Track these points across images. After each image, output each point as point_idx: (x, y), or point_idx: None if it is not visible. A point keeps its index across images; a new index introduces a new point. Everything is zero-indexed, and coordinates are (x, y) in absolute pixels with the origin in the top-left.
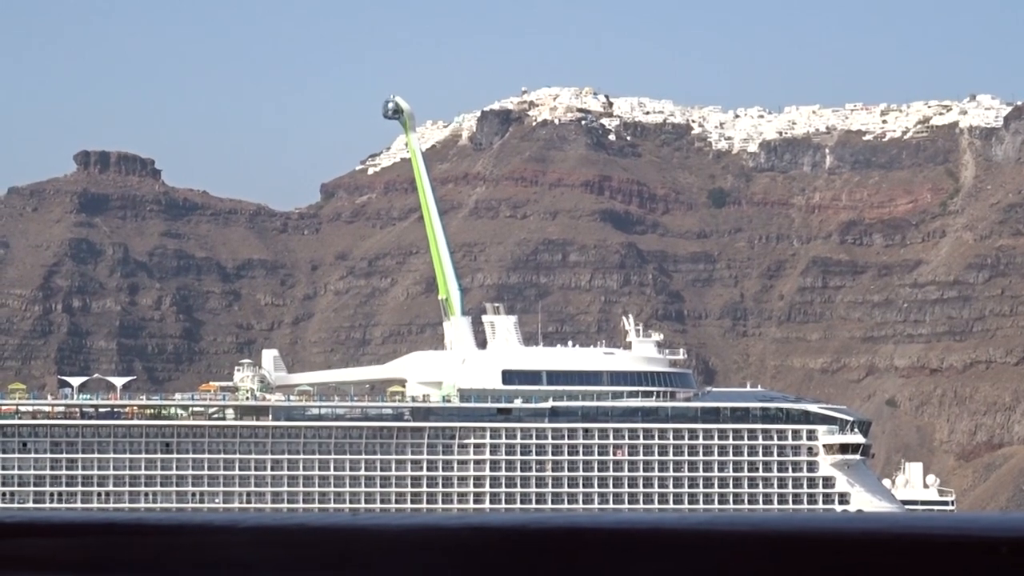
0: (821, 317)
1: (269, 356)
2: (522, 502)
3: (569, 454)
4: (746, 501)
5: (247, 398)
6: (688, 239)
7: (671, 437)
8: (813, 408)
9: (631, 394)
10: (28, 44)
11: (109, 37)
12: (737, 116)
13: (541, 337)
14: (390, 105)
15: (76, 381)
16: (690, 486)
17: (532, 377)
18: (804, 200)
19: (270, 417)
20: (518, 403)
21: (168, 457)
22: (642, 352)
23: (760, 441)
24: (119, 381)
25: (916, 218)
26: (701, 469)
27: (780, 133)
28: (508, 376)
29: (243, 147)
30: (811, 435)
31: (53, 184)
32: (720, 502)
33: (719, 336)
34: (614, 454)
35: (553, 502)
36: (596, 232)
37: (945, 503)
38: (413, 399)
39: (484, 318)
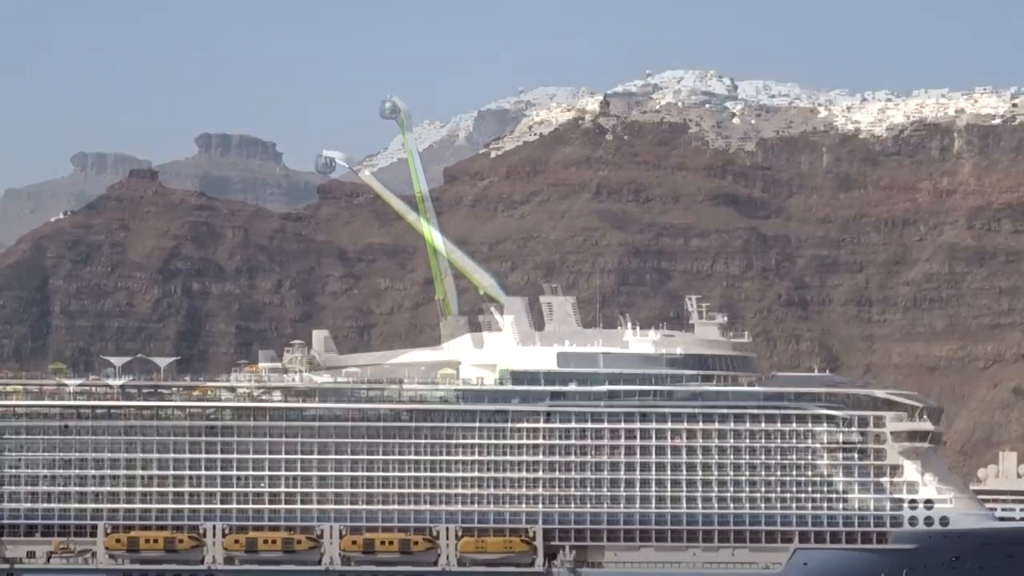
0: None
1: (320, 336)
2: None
3: (626, 439)
4: (809, 489)
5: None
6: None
7: (732, 422)
8: (880, 393)
9: (690, 378)
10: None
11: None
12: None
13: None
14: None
15: (119, 361)
16: (751, 473)
17: (588, 360)
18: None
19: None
20: (573, 386)
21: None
22: (704, 335)
23: (825, 427)
24: (163, 362)
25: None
26: (762, 455)
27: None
28: (564, 359)
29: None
30: (878, 421)
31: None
32: (781, 490)
33: (843, 323)
34: (672, 440)
35: (610, 488)
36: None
37: None
38: (465, 382)
39: (541, 299)
